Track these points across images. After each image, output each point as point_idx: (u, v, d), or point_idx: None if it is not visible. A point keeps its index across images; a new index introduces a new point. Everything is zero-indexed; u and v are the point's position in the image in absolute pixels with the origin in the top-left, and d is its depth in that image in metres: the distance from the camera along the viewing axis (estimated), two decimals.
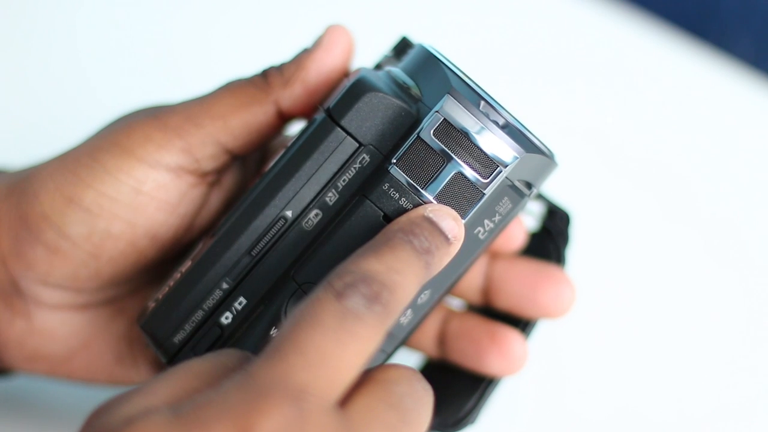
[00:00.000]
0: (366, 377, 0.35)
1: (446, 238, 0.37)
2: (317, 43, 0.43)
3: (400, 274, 0.35)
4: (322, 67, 0.42)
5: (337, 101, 0.40)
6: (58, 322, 0.44)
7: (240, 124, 0.42)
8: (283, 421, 0.31)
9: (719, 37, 0.75)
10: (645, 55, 0.69)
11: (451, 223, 0.38)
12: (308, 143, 0.40)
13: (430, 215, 0.38)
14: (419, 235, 0.37)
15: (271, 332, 0.40)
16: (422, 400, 0.35)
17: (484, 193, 0.39)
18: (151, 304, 0.42)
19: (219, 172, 0.44)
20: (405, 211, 0.39)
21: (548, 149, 0.41)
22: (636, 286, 0.59)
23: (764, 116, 0.67)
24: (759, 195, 0.64)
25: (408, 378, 0.35)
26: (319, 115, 0.40)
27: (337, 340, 0.33)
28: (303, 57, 0.43)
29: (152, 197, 0.42)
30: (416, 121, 0.40)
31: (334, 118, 0.40)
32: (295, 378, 0.32)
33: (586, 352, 0.54)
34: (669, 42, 0.69)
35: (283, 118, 0.43)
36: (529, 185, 0.41)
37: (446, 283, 0.41)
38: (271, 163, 0.41)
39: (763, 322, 0.59)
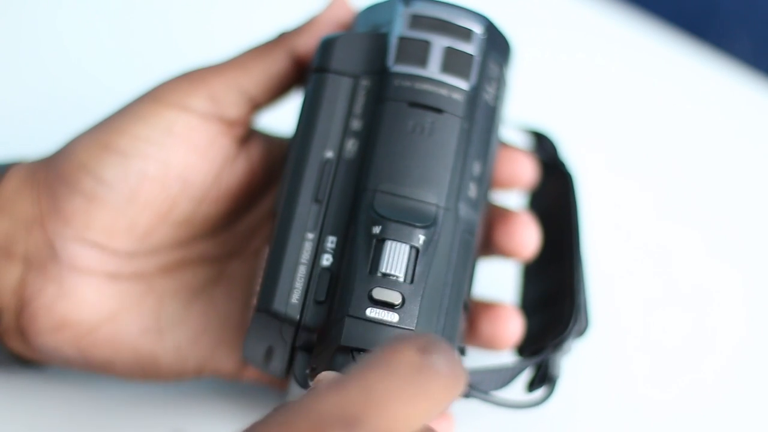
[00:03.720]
0: None
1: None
2: (325, 7, 0.48)
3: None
4: (331, 17, 0.47)
5: (318, 57, 0.45)
6: (89, 287, 0.45)
7: (260, 70, 0.46)
8: None
9: (719, 37, 0.75)
10: (644, 54, 0.69)
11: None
12: (314, 98, 0.44)
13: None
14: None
15: (373, 230, 0.42)
16: None
17: (472, 55, 0.44)
18: (256, 296, 0.44)
19: (243, 125, 0.47)
20: (425, 93, 0.43)
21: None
22: (635, 287, 0.59)
23: (764, 116, 0.67)
24: (758, 195, 0.64)
25: None
26: (311, 78, 0.45)
27: (406, 392, 0.31)
28: (313, 17, 0.48)
29: (183, 138, 0.45)
30: (388, 37, 0.44)
31: (324, 69, 0.44)
32: (352, 409, 0.31)
33: (593, 357, 0.54)
34: (668, 42, 0.69)
35: (300, 66, 0.47)
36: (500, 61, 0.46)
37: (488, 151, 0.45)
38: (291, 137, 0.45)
39: (763, 320, 0.59)
